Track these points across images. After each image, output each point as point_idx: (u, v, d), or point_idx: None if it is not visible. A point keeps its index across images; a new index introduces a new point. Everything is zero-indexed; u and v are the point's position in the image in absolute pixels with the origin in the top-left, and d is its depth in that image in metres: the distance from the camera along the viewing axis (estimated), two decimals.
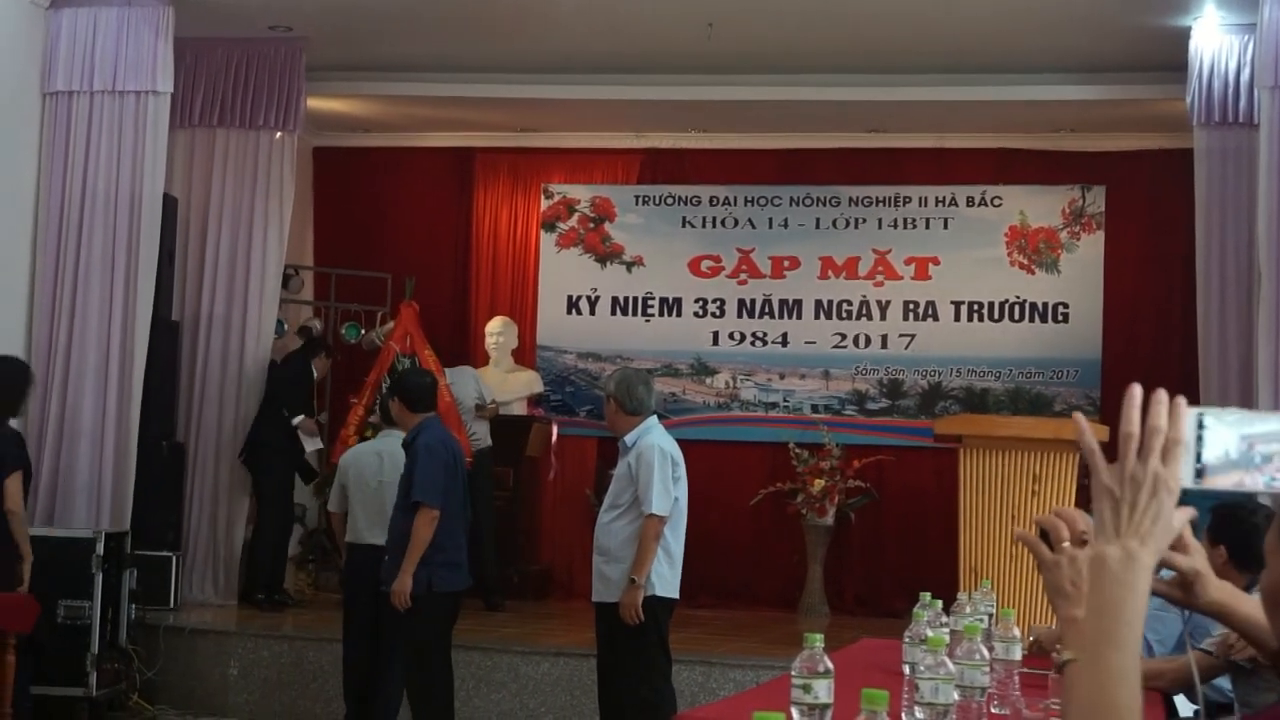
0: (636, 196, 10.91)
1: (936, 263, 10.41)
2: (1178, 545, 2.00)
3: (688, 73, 9.40)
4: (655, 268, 10.79)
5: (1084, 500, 1.85)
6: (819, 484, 9.78)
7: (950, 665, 2.71)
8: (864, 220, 10.54)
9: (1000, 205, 10.39)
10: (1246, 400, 7.83)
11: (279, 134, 9.05)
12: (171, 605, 8.35)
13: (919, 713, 2.70)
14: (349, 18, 8.71)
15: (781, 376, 10.58)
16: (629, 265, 10.84)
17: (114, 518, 7.97)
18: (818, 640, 2.61)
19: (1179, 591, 2.08)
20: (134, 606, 7.86)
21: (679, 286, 10.75)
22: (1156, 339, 10.04)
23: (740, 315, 10.65)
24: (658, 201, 10.86)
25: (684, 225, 10.80)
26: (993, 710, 3.00)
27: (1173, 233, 9.53)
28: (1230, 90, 8.04)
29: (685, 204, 10.81)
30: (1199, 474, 1.55)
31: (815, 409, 10.46)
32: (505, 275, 11.10)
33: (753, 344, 10.63)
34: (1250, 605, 2.12)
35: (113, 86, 8.22)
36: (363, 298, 10.66)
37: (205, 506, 8.85)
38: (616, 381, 6.07)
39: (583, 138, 10.91)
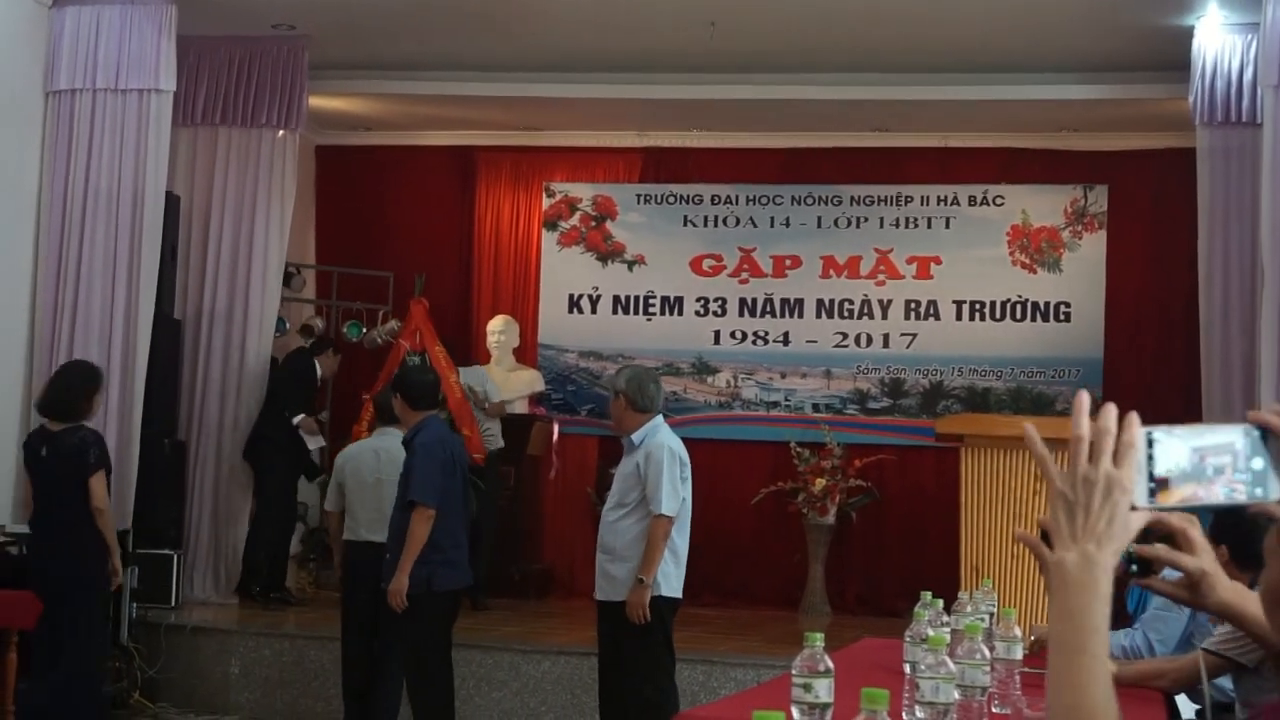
0: (638, 195, 10.91)
1: (938, 262, 10.41)
2: (1184, 545, 2.00)
3: (690, 72, 9.40)
4: (657, 266, 10.79)
5: None
6: (820, 483, 9.77)
7: (951, 664, 2.71)
8: (866, 219, 10.54)
9: (1002, 204, 10.39)
10: (1250, 397, 7.83)
11: (281, 132, 9.06)
12: (173, 603, 8.35)
13: (920, 712, 2.70)
14: (351, 16, 8.71)
15: (783, 375, 10.58)
16: (630, 264, 10.84)
17: (115, 515, 7.96)
18: (818, 639, 2.61)
19: (1185, 592, 2.07)
20: (135, 604, 7.87)
21: (680, 285, 10.75)
22: (1159, 338, 10.03)
23: (742, 314, 10.65)
24: (659, 200, 10.86)
25: (686, 224, 10.80)
26: (994, 710, 2.99)
27: (1175, 232, 9.53)
28: (1233, 89, 8.04)
29: (687, 203, 10.81)
30: (1152, 492, 1.54)
31: (817, 408, 10.46)
32: (507, 274, 11.10)
33: (754, 343, 10.63)
34: (1259, 605, 2.12)
35: (115, 85, 8.22)
36: (364, 296, 10.66)
37: (207, 504, 8.85)
38: (627, 379, 6.06)
39: (585, 136, 10.91)
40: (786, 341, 10.58)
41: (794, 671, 2.60)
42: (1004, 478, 7.23)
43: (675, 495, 5.90)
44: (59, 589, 6.54)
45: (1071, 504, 1.54)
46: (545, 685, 7.56)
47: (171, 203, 8.50)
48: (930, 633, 3.07)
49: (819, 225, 10.60)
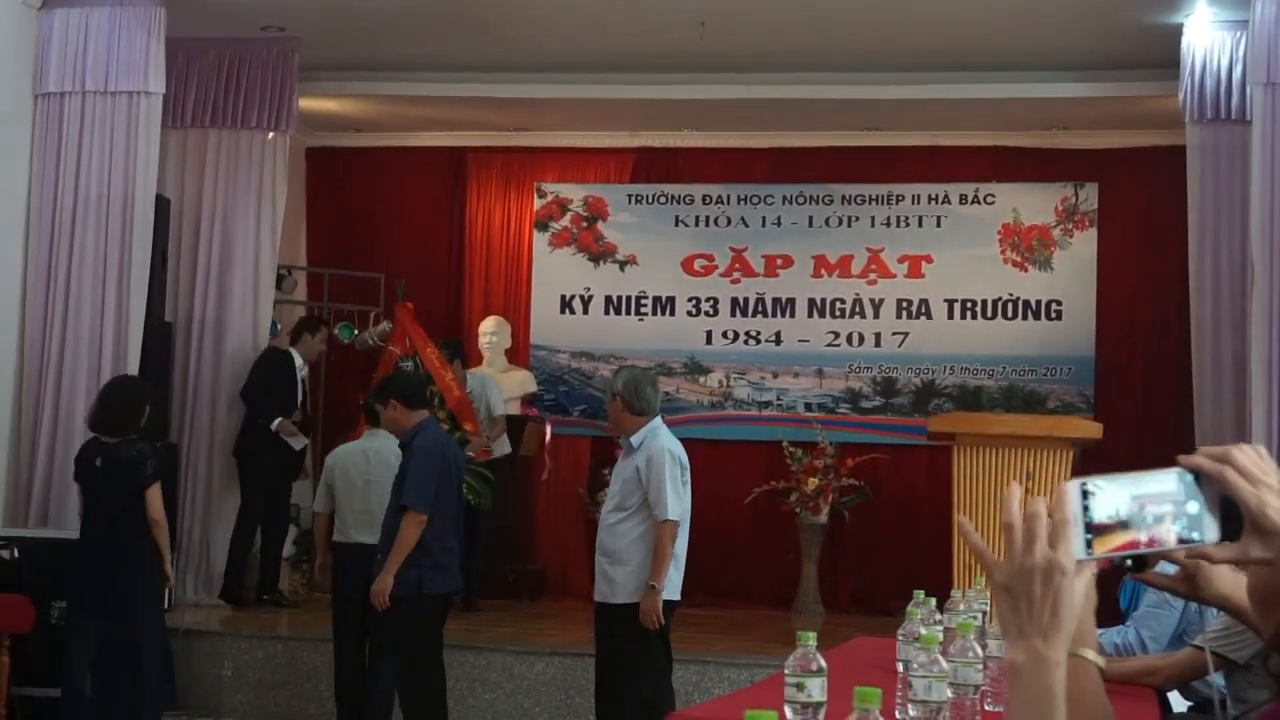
0: (630, 195, 10.91)
1: (930, 261, 10.42)
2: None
3: (680, 72, 9.40)
4: (649, 267, 10.79)
5: None
6: (813, 482, 9.78)
7: (944, 663, 2.71)
8: (857, 218, 10.55)
9: (993, 203, 10.40)
10: (1240, 395, 7.85)
11: (271, 134, 9.05)
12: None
13: (912, 710, 2.70)
14: (341, 18, 8.71)
15: (775, 375, 10.58)
16: (622, 264, 10.84)
17: None
18: (811, 638, 2.62)
19: (1183, 585, 2.07)
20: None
21: (672, 285, 10.75)
22: (1150, 336, 10.05)
23: (734, 314, 10.65)
24: (651, 200, 10.86)
25: (677, 224, 10.81)
26: (986, 708, 3.00)
27: (1166, 229, 9.55)
28: (1223, 87, 8.05)
29: (678, 203, 10.81)
30: (1089, 542, 1.52)
31: (809, 407, 10.46)
32: (498, 275, 11.09)
33: (746, 343, 10.64)
34: None
35: (105, 87, 8.21)
36: (356, 298, 10.65)
37: (198, 508, 8.83)
38: (624, 381, 6.06)
39: (576, 137, 10.91)
40: (778, 341, 10.59)
41: (787, 671, 2.60)
42: (996, 476, 7.24)
43: (679, 499, 5.93)
44: (127, 601, 6.64)
45: (1014, 596, 1.51)
46: (539, 686, 7.56)
47: (162, 205, 8.48)
48: (923, 631, 3.07)
49: (810, 225, 10.61)
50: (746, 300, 10.64)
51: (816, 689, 2.58)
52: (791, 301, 10.57)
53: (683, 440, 6.27)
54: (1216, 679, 4.09)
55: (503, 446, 9.55)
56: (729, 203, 10.73)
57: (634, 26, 8.70)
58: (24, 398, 8.11)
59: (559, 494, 10.61)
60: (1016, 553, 1.52)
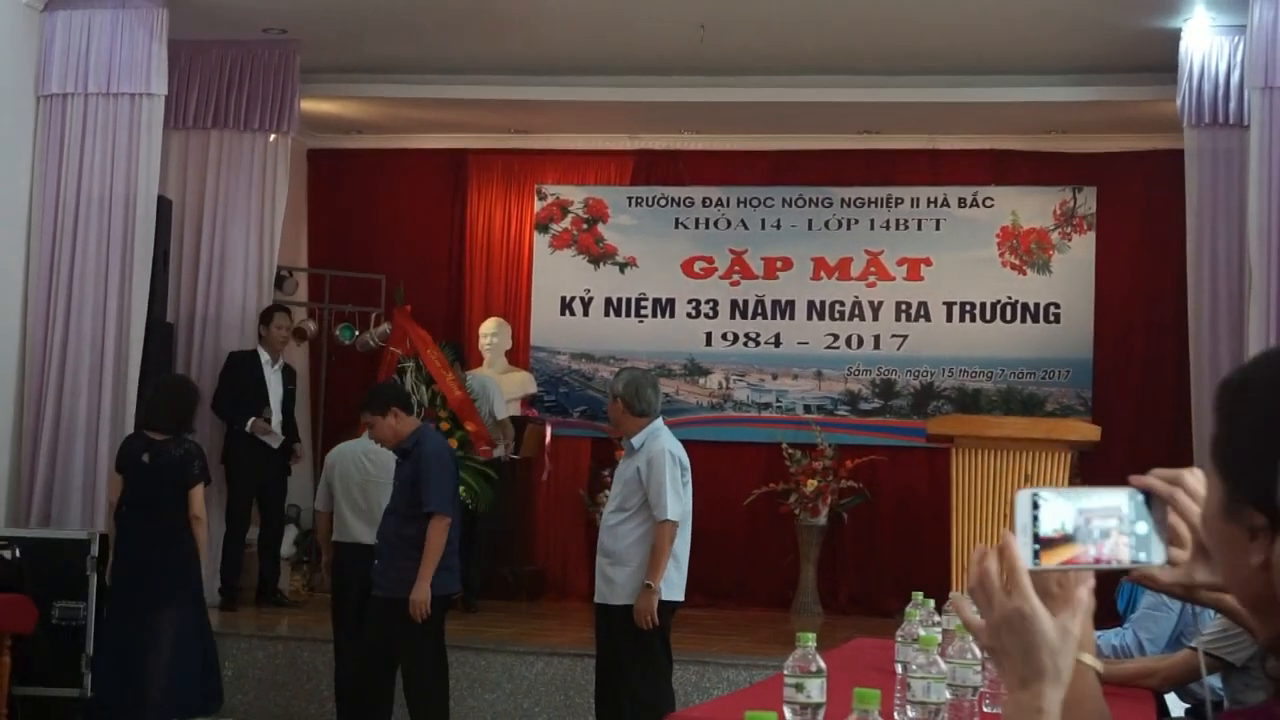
0: (630, 198, 10.92)
1: (929, 263, 10.43)
2: (1174, 540, 2.02)
3: (680, 75, 9.42)
4: (648, 269, 10.80)
5: None
6: (812, 484, 9.80)
7: (942, 664, 2.73)
8: (856, 221, 10.57)
9: (992, 206, 10.42)
10: None
11: (273, 136, 9.07)
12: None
13: (911, 712, 2.73)
14: (343, 20, 8.72)
15: (774, 377, 10.60)
16: (622, 266, 10.86)
17: (108, 519, 7.97)
18: (810, 639, 2.64)
19: (1179, 588, 2.09)
20: None
21: (672, 287, 10.76)
22: (1148, 339, 10.06)
23: (733, 316, 10.66)
24: (651, 203, 10.88)
25: (677, 226, 10.82)
26: (985, 709, 3.02)
27: (1164, 233, 9.57)
28: (1220, 91, 8.07)
29: (678, 205, 10.83)
30: (1036, 553, 1.53)
31: (808, 409, 10.48)
32: (499, 276, 11.11)
33: (745, 345, 10.65)
34: None
35: (107, 89, 8.22)
36: (357, 299, 10.67)
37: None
38: (624, 383, 6.09)
39: (576, 139, 10.93)
40: (778, 343, 10.60)
41: (786, 672, 2.63)
42: (995, 478, 7.27)
43: (679, 500, 5.95)
44: (152, 598, 6.73)
45: (996, 654, 1.53)
46: (539, 687, 7.58)
47: (163, 206, 8.50)
48: (922, 633, 3.09)
49: (809, 227, 10.62)
50: (746, 302, 10.66)
51: (816, 690, 2.61)
52: (791, 304, 10.59)
53: (682, 442, 6.29)
54: (1213, 681, 4.10)
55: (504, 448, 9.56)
56: (729, 205, 10.75)
57: (634, 29, 8.71)
58: (25, 397, 8.13)
59: (559, 495, 10.63)
60: (985, 615, 1.53)
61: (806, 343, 10.56)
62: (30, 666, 7.03)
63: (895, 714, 2.86)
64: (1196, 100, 8.10)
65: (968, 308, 10.36)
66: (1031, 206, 10.36)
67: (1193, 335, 8.16)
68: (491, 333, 10.28)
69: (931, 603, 3.79)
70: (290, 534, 9.76)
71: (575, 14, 8.51)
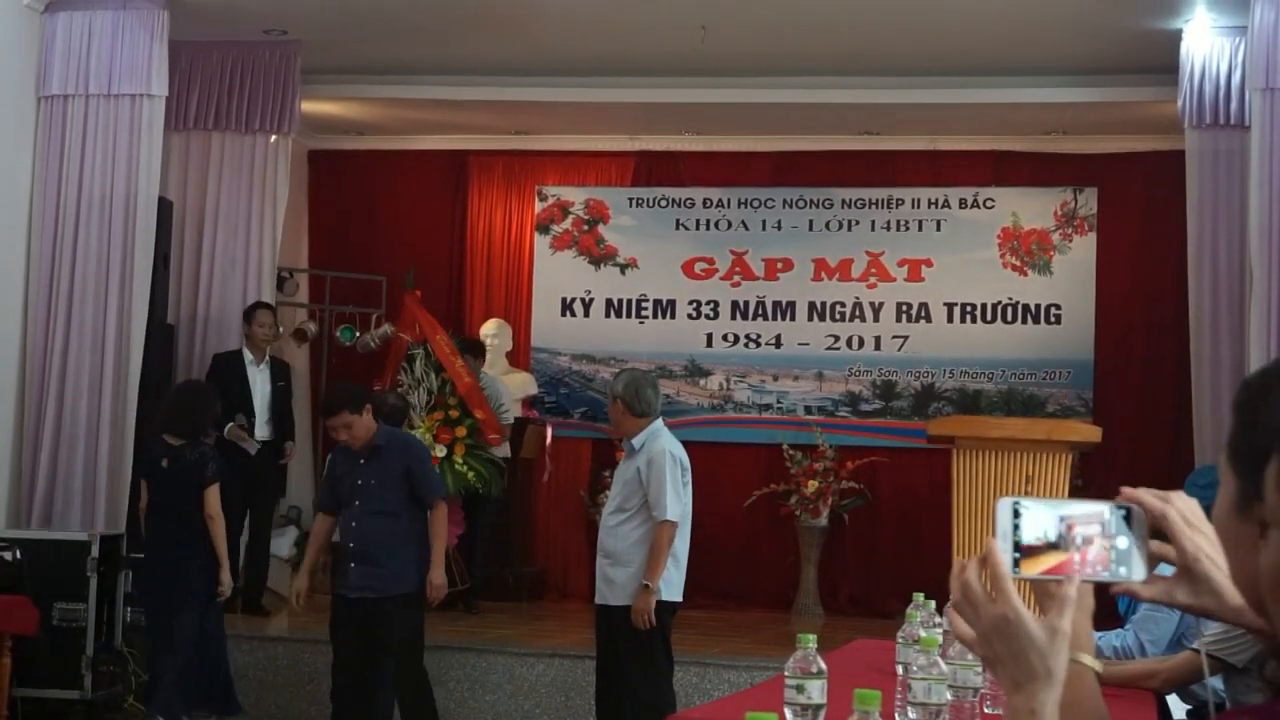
0: (630, 199, 10.92)
1: (929, 264, 10.43)
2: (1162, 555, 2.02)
3: (681, 76, 9.42)
4: (649, 270, 10.80)
5: None
6: (813, 485, 9.80)
7: (943, 665, 2.73)
8: (857, 222, 10.56)
9: (993, 207, 10.42)
10: None
11: (274, 137, 9.07)
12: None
13: (912, 713, 2.73)
14: (344, 21, 8.72)
15: (775, 378, 10.60)
16: (623, 267, 10.86)
17: (109, 520, 7.97)
18: (811, 641, 2.64)
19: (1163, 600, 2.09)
20: (129, 609, 7.86)
21: (673, 288, 10.76)
22: (1149, 340, 10.06)
23: (734, 317, 10.66)
24: (652, 204, 10.88)
25: (678, 227, 10.82)
26: (986, 710, 3.02)
27: (1165, 234, 9.58)
28: (1221, 92, 8.07)
29: (679, 206, 10.83)
30: (1017, 561, 1.53)
31: (809, 410, 10.48)
32: (499, 277, 11.11)
33: (746, 346, 10.65)
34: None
35: (108, 90, 8.22)
36: (357, 300, 10.67)
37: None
38: (624, 384, 6.10)
39: (577, 140, 10.93)
40: (778, 344, 10.60)
41: (787, 673, 2.63)
42: (995, 479, 7.26)
43: (679, 500, 5.96)
44: (167, 600, 6.85)
45: (990, 662, 1.54)
46: (539, 688, 7.58)
47: (164, 208, 8.50)
48: (923, 634, 3.09)
49: (810, 228, 10.62)
50: (747, 303, 10.66)
51: (816, 691, 2.61)
52: (791, 305, 10.59)
53: (683, 443, 6.29)
54: (1215, 683, 4.10)
55: (503, 449, 9.56)
56: (729, 206, 10.75)
57: (635, 30, 8.71)
58: (26, 399, 8.13)
59: (559, 496, 10.63)
60: (974, 625, 1.54)
61: (807, 344, 10.56)
62: (31, 668, 7.03)
63: (896, 715, 2.86)
64: (1197, 101, 8.10)
65: (968, 309, 10.36)
66: (1032, 207, 10.36)
67: (1193, 336, 8.16)
68: (492, 334, 10.29)
69: (932, 604, 3.79)
70: (291, 535, 9.76)
71: (576, 15, 8.51)
